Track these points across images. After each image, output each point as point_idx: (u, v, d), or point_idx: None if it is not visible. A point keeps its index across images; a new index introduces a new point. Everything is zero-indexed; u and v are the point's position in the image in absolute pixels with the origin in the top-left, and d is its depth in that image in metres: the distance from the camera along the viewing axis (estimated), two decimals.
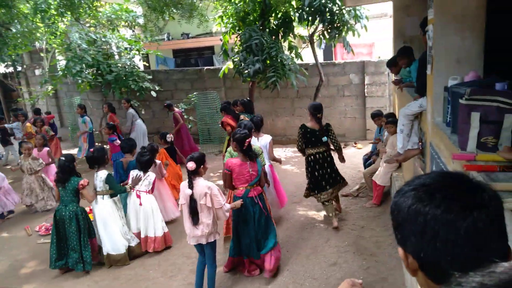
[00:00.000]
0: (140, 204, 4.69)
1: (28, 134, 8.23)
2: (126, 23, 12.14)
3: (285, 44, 8.60)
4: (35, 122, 8.45)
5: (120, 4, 10.89)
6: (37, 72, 13.89)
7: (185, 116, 9.32)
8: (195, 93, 9.86)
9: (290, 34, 8.46)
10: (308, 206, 5.65)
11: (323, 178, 4.81)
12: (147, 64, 13.80)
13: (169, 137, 5.96)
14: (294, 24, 8.37)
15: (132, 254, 4.65)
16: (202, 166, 3.53)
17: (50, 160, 6.68)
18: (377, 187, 5.33)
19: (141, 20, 12.62)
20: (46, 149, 6.70)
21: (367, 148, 7.55)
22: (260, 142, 4.96)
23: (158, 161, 5.37)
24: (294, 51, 8.56)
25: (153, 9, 9.65)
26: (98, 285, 4.21)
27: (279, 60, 7.52)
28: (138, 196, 4.70)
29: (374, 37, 11.79)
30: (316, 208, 5.52)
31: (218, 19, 8.72)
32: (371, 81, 9.00)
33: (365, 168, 6.02)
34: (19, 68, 14.23)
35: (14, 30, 9.59)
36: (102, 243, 4.57)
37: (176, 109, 8.65)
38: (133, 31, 13.28)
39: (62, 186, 4.42)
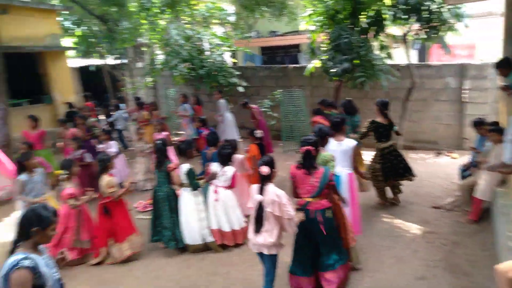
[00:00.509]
0: (216, 200, 4.64)
1: (145, 121, 9.00)
2: (218, 21, 12.76)
3: (376, 44, 8.27)
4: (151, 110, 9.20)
5: (214, 2, 11.47)
6: (139, 64, 15.29)
7: (269, 113, 9.49)
8: (280, 90, 9.99)
9: (382, 33, 8.10)
10: (393, 214, 5.40)
11: (392, 170, 5.27)
12: (235, 61, 14.34)
13: (258, 133, 6.05)
14: (387, 22, 8.00)
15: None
16: (273, 170, 3.34)
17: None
18: (476, 201, 4.86)
19: (232, 18, 13.14)
20: (164, 133, 7.28)
21: (464, 158, 6.93)
22: (342, 146, 4.33)
23: (240, 156, 5.36)
24: (385, 51, 8.19)
25: (245, 8, 9.97)
26: (187, 263, 4.55)
27: (368, 60, 7.26)
28: (216, 191, 4.68)
29: (475, 37, 10.74)
30: (403, 217, 5.25)
31: (307, 17, 8.70)
32: (472, 85, 8.20)
33: (462, 180, 5.52)
34: (125, 61, 15.77)
35: (122, 26, 10.67)
36: (183, 232, 4.76)
37: (253, 106, 8.79)
38: (224, 28, 13.90)
39: (158, 168, 4.80)
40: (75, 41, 15.24)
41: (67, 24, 14.74)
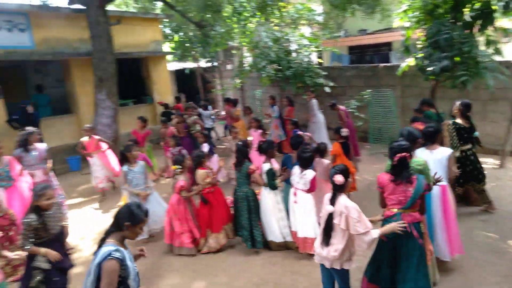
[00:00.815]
0: (295, 202, 4.61)
1: (236, 119, 9.47)
2: (306, 22, 12.76)
3: (481, 39, 7.47)
4: (245, 109, 9.63)
5: (303, 3, 11.50)
6: (229, 67, 16.06)
7: (356, 114, 9.21)
8: (368, 90, 9.64)
9: (490, 27, 7.28)
10: (497, 227, 4.85)
11: (475, 172, 5.18)
12: (321, 61, 14.20)
13: (344, 132, 5.91)
14: (496, 15, 7.16)
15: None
16: (348, 180, 3.12)
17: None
18: None
19: (320, 18, 13.03)
20: (259, 131, 7.54)
21: None
22: (435, 155, 3.97)
23: (326, 161, 5.28)
24: (492, 46, 7.35)
25: (336, 7, 9.82)
26: (271, 260, 4.67)
27: (472, 57, 6.59)
28: (295, 194, 4.63)
29: None
30: (506, 229, 4.69)
31: (402, 13, 8.22)
32: None
33: None
34: (215, 64, 16.68)
35: (216, 31, 11.30)
36: (265, 229, 4.91)
37: (341, 107, 8.58)
38: (311, 28, 13.85)
39: (238, 168, 4.94)
40: (173, 46, 16.58)
41: (167, 30, 16.11)
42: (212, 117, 10.90)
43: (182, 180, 4.93)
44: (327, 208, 3.10)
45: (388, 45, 15.01)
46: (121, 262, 2.39)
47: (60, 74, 11.57)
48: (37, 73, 12.54)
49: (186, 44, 15.99)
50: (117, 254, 2.36)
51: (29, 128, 6.10)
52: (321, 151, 5.33)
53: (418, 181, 3.16)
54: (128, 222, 2.46)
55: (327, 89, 9.92)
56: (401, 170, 3.20)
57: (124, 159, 5.34)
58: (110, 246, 2.39)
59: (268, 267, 4.53)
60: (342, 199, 3.07)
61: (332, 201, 3.10)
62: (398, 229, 3.04)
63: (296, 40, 10.44)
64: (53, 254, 3.41)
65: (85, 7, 9.11)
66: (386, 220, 3.27)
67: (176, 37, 16.21)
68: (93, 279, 2.39)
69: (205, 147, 7.23)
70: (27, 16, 9.47)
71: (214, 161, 7.08)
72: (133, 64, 12.74)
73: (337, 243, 3.08)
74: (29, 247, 3.36)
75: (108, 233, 2.51)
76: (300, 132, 6.51)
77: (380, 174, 3.38)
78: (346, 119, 8.27)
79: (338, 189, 3.10)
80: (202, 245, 4.99)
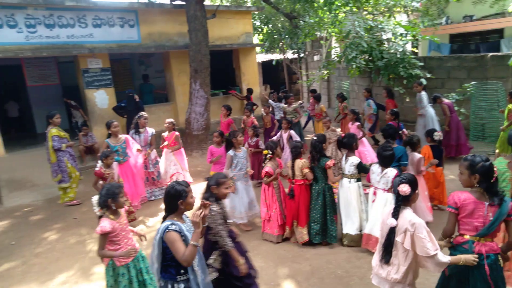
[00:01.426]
0: (373, 201, 4.47)
1: (320, 114, 9.38)
2: (403, 9, 11.97)
3: None
4: (338, 97, 9.43)
5: None
6: (316, 58, 15.87)
7: (456, 108, 8.44)
8: (472, 82, 8.74)
9: None
10: None
11: None
12: (416, 50, 13.23)
13: (437, 135, 5.41)
14: None
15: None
16: (415, 192, 2.78)
17: (361, 134, 7.17)
18: None
19: (418, 4, 12.11)
20: (356, 123, 7.35)
21: None
22: None
23: (418, 155, 4.99)
24: None
25: None
26: (357, 254, 4.60)
27: None
28: (374, 193, 4.48)
29: None
30: None
31: None
32: None
33: None
34: (302, 55, 16.62)
35: (306, 22, 11.24)
36: (342, 222, 4.82)
37: (446, 101, 7.88)
38: (408, 16, 12.95)
39: (314, 163, 4.84)
40: (261, 38, 16.93)
41: (257, 23, 16.49)
42: (302, 107, 10.81)
43: (269, 167, 5.06)
44: (389, 222, 2.73)
45: (499, 32, 13.34)
46: (179, 232, 2.61)
47: (160, 66, 12.63)
48: (141, 64, 13.87)
49: (274, 36, 16.19)
50: (173, 227, 2.60)
51: (142, 113, 6.98)
52: (413, 143, 5.07)
53: (504, 203, 2.63)
54: (180, 199, 2.68)
55: (423, 81, 9.24)
56: (492, 189, 2.66)
57: (229, 144, 5.62)
58: (167, 222, 2.64)
59: (353, 261, 4.46)
60: (408, 214, 2.72)
61: (395, 215, 2.74)
62: (473, 263, 2.62)
63: (391, 29, 9.88)
64: (243, 268, 3.21)
65: (184, 3, 9.77)
66: (455, 248, 2.80)
67: (265, 29, 16.51)
68: (158, 253, 2.66)
69: (294, 136, 7.27)
70: (136, 13, 10.49)
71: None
72: (223, 55, 13.32)
73: (399, 264, 2.74)
74: (230, 247, 3.13)
75: (166, 216, 2.76)
76: (392, 122, 6.21)
77: (455, 193, 2.79)
78: (451, 113, 7.63)
79: (402, 201, 2.75)
80: (287, 233, 5.09)
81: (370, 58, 9.68)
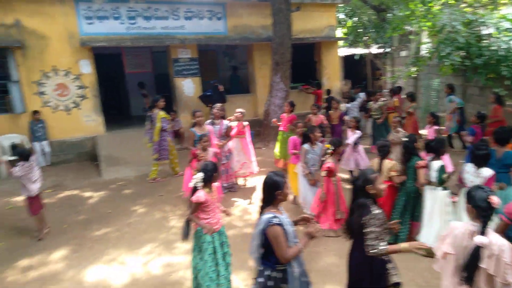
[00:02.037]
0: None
1: (392, 109, 8.98)
2: (510, 1, 10.73)
3: None
4: (408, 97, 8.84)
5: None
6: (403, 53, 14.98)
7: None
8: None
9: None
10: None
11: None
12: None
13: None
14: None
15: None
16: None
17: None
18: None
19: None
20: (435, 127, 6.93)
21: None
22: None
23: None
24: None
25: None
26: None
27: None
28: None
29: None
30: None
31: None
32: None
33: None
34: (387, 50, 15.81)
35: (395, 15, 10.67)
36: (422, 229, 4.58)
37: None
38: None
39: (405, 164, 4.69)
40: (345, 31, 16.44)
41: (341, 16, 16.05)
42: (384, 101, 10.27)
43: (331, 162, 5.00)
44: (479, 240, 2.39)
45: None
46: (281, 226, 2.64)
47: (243, 57, 13.01)
48: (226, 56, 14.43)
49: (359, 30, 15.62)
50: (275, 220, 2.63)
51: (218, 105, 7.22)
52: None
53: None
54: (278, 190, 2.73)
55: None
56: None
57: (306, 139, 5.65)
58: (268, 214, 2.68)
59: (434, 272, 4.22)
60: (494, 236, 2.44)
61: (484, 231, 2.44)
62: None
63: (494, 23, 8.94)
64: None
65: None
66: None
67: (349, 22, 16.01)
68: (257, 244, 2.73)
69: (355, 135, 6.89)
70: (223, 6, 10.93)
71: (361, 152, 6.86)
72: (305, 48, 13.25)
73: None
74: (384, 247, 2.73)
75: (264, 207, 2.79)
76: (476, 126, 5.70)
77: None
78: None
79: (490, 215, 2.46)
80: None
81: (467, 55, 8.89)
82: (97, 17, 9.43)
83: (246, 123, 7.21)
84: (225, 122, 7.04)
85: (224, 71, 13.78)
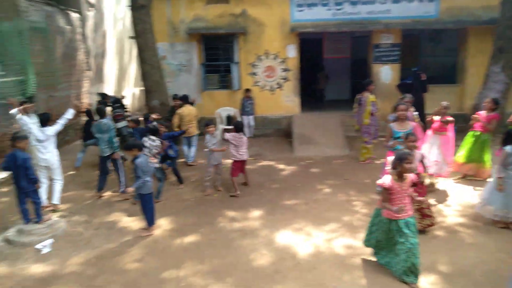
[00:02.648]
0: None
1: None
2: None
3: None
4: None
5: None
6: None
7: None
8: None
9: None
10: None
11: None
12: None
13: None
14: None
15: None
16: None
17: None
18: None
19: None
20: None
21: None
22: None
23: None
24: None
25: None
26: None
27: None
28: None
29: None
30: None
31: None
32: None
33: None
34: None
35: None
36: None
37: None
38: None
39: None
40: None
41: None
42: None
43: None
44: None
45: None
46: None
47: (451, 43, 11.53)
48: (430, 41, 13.10)
49: None
50: None
51: (407, 96, 6.66)
52: None
53: None
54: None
55: None
56: None
57: (509, 139, 4.91)
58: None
59: None
60: None
61: None
62: None
63: None
64: None
65: None
66: None
67: None
68: None
69: None
70: None
71: None
72: None
73: None
74: None
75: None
76: None
77: None
78: None
79: None
80: None
81: None
82: (307, 5, 10.08)
83: (450, 118, 6.43)
84: (409, 114, 6.29)
85: (427, 58, 12.58)
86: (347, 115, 10.40)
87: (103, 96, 9.62)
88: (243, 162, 6.61)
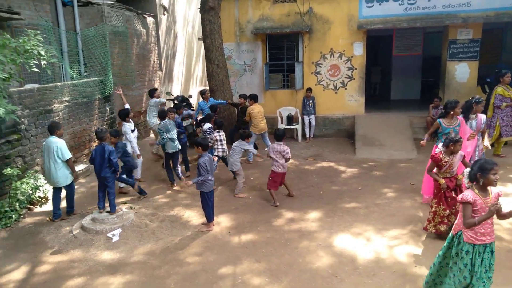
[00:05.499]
0: None
1: None
2: None
3: None
4: None
5: None
6: None
7: None
8: None
9: None
10: None
11: None
12: None
13: None
14: None
15: None
16: None
17: None
18: None
19: None
20: None
21: None
22: None
23: None
24: None
25: None
26: None
27: None
28: None
29: None
30: None
31: None
32: None
33: None
34: None
35: None
36: None
37: None
38: None
39: None
40: None
41: None
42: None
43: None
44: None
45: None
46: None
47: None
48: None
49: None
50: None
51: (477, 96, 6.09)
52: None
53: None
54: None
55: None
56: None
57: None
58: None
59: None
60: None
61: None
62: None
63: None
64: None
65: None
66: None
67: None
68: None
69: None
70: None
71: None
72: None
73: None
74: None
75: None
76: None
77: None
78: None
79: None
80: None
81: None
82: (377, 0, 9.64)
83: None
84: (482, 116, 6.01)
85: (509, 54, 11.36)
86: (416, 116, 9.81)
87: (181, 98, 10.01)
88: (283, 175, 6.18)
